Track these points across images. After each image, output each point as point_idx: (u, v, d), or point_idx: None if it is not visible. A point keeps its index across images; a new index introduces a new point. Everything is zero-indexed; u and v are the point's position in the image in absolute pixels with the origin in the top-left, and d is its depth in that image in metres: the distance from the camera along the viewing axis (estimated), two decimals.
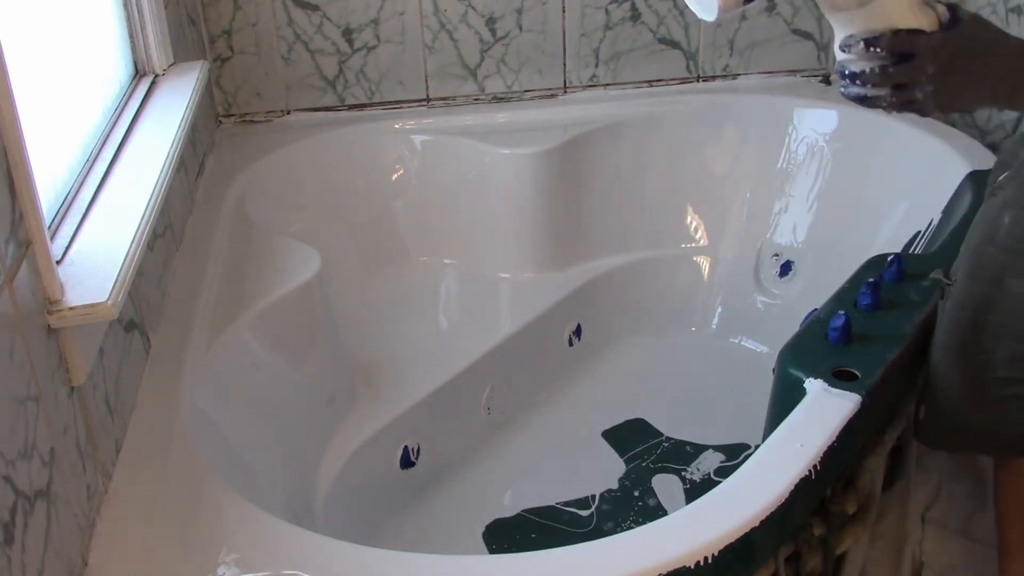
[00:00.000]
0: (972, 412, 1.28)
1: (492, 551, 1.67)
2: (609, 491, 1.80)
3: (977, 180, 1.71)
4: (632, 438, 1.92)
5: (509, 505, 1.77)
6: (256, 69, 2.12)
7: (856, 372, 1.26)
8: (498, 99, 2.23)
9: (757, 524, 1.05)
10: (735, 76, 2.28)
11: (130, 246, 1.13)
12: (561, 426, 1.97)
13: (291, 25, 2.09)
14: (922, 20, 0.94)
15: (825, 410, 1.20)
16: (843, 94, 0.98)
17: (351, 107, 2.19)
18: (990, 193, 1.25)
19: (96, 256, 1.11)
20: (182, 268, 1.59)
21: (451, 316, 2.09)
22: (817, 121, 2.14)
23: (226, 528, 1.08)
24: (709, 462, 1.85)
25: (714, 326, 2.20)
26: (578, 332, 2.12)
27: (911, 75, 0.93)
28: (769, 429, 1.39)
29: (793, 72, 2.29)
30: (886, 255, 1.48)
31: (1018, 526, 1.36)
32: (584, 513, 1.75)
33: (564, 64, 2.22)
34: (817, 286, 1.81)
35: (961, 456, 1.78)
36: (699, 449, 1.88)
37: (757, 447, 1.18)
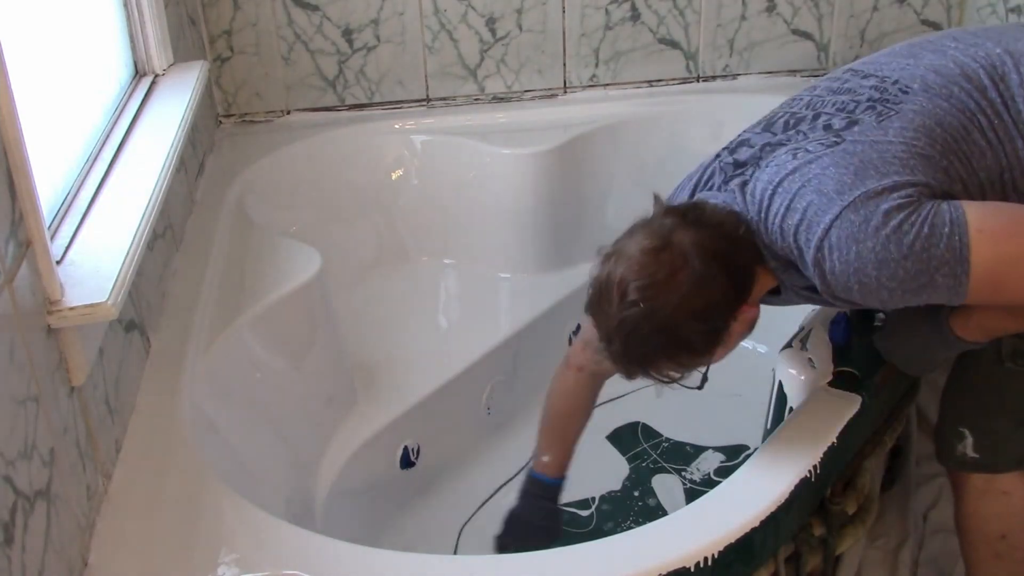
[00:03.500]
0: None
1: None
2: (609, 491, 1.80)
3: None
4: (632, 438, 1.92)
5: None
6: (256, 69, 2.12)
7: (856, 372, 1.26)
8: (498, 99, 2.23)
9: (757, 524, 1.05)
10: (735, 76, 2.28)
11: (130, 246, 1.13)
12: None
13: (291, 25, 2.09)
14: None
15: (825, 410, 1.20)
16: None
17: (351, 107, 2.19)
18: None
19: (96, 256, 1.11)
20: (182, 268, 1.59)
21: (451, 316, 2.09)
22: None
23: (226, 528, 1.08)
24: (709, 462, 1.85)
25: None
26: (578, 332, 2.11)
27: None
28: (769, 429, 1.39)
29: (793, 72, 2.29)
30: None
31: None
32: (584, 513, 1.75)
33: (564, 64, 2.22)
34: None
35: None
36: (699, 449, 1.88)
37: (757, 448, 1.18)
